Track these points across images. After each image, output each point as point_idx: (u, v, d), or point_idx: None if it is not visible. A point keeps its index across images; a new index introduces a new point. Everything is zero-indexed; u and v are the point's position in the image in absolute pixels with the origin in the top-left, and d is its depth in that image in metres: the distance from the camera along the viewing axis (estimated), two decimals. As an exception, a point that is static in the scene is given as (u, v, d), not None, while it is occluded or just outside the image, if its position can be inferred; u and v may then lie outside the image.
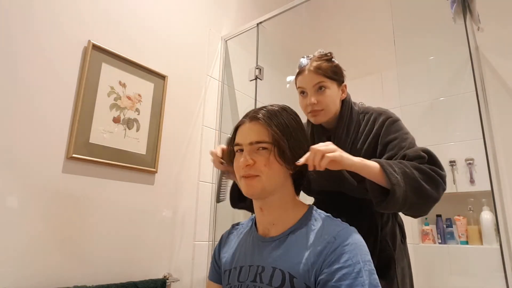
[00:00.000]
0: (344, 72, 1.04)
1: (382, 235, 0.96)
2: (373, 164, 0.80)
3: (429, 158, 0.86)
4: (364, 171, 0.80)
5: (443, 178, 0.84)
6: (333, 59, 1.01)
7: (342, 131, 0.99)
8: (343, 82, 1.02)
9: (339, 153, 0.77)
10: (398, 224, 1.01)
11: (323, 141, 0.88)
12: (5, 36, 1.04)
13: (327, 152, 0.75)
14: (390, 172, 0.77)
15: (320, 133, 1.06)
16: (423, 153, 0.85)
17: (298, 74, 1.02)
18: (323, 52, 1.02)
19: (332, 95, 0.98)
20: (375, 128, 0.96)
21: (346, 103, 1.02)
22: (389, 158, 0.88)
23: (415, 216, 0.89)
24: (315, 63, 0.98)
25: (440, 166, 0.85)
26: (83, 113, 1.18)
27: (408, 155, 0.86)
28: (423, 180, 0.80)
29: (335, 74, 0.99)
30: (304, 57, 1.02)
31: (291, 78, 1.06)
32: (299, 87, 1.02)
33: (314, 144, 0.87)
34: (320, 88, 0.97)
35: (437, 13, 1.69)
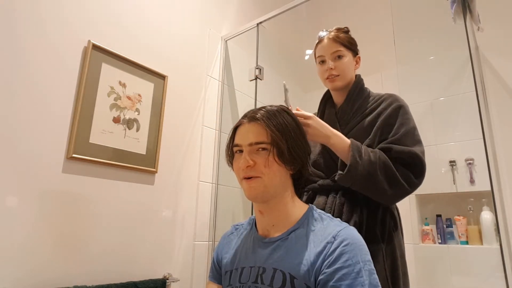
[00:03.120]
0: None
1: (369, 225, 0.93)
2: (344, 143, 0.92)
3: (412, 162, 0.91)
4: (334, 148, 0.94)
5: (410, 183, 0.90)
6: (349, 32, 1.13)
7: (348, 104, 1.08)
8: (357, 54, 1.13)
9: (310, 130, 0.92)
10: (390, 212, 0.98)
11: (332, 113, 1.11)
12: (5, 36, 1.04)
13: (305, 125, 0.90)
14: (353, 154, 0.89)
15: (330, 107, 1.15)
16: (407, 157, 0.91)
17: (318, 43, 1.13)
18: (340, 26, 1.14)
19: (348, 63, 1.08)
20: (380, 107, 1.02)
21: (357, 82, 1.10)
22: (382, 140, 0.96)
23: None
24: (333, 33, 1.10)
25: (416, 173, 0.91)
26: (83, 113, 1.18)
27: (393, 150, 0.92)
28: (383, 176, 0.89)
29: (351, 45, 1.10)
30: (323, 30, 1.14)
31: (310, 51, 1.17)
32: (318, 56, 1.12)
33: (323, 118, 1.12)
34: (338, 57, 1.07)
35: (437, 13, 1.70)
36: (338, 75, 1.07)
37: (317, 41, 1.13)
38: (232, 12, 2.03)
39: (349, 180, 0.90)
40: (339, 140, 0.93)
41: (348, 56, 1.08)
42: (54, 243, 1.07)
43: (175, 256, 1.45)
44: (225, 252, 0.87)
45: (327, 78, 1.08)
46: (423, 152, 0.93)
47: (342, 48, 1.07)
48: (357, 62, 1.12)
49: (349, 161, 0.89)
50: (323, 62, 1.10)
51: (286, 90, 1.03)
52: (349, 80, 1.09)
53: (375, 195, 0.92)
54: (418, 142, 0.95)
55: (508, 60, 1.70)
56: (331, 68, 1.06)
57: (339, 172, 0.93)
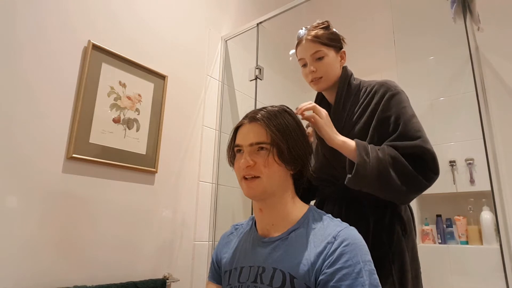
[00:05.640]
0: (346, 41, 1.07)
1: (376, 231, 0.90)
2: (351, 144, 0.87)
3: (423, 155, 0.85)
4: (342, 149, 0.88)
5: (427, 177, 0.85)
6: (329, 27, 1.05)
7: (338, 106, 1.03)
8: (341, 48, 1.06)
9: (322, 125, 0.88)
10: (398, 216, 0.94)
11: None
12: (5, 36, 1.04)
13: (315, 118, 0.88)
14: (359, 154, 0.84)
15: (325, 108, 1.07)
16: (414, 151, 0.85)
17: (297, 45, 1.06)
18: (320, 21, 1.06)
19: (330, 62, 1.02)
20: (373, 102, 0.96)
21: (343, 78, 1.03)
22: (383, 135, 0.91)
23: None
24: (312, 32, 1.03)
25: (432, 168, 0.85)
26: (83, 113, 1.18)
27: (399, 147, 0.86)
28: (396, 172, 0.83)
29: (332, 41, 1.03)
30: (302, 28, 1.06)
31: (293, 51, 1.11)
32: (300, 59, 1.06)
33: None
34: (319, 58, 1.01)
35: (437, 13, 1.69)
36: (321, 77, 1.02)
37: (297, 41, 1.07)
38: (232, 12, 2.03)
39: (359, 182, 0.85)
40: (345, 143, 0.87)
41: (330, 55, 1.01)
42: (54, 243, 1.07)
43: (175, 256, 1.44)
44: (224, 252, 0.87)
45: (311, 81, 1.04)
46: (427, 141, 0.87)
47: (322, 48, 1.01)
48: (342, 58, 1.06)
49: (356, 161, 0.83)
50: (305, 65, 1.05)
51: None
52: (335, 79, 1.03)
53: (390, 195, 0.87)
54: (419, 130, 0.89)
55: (508, 60, 1.70)
56: (313, 71, 1.01)
57: (348, 175, 0.87)
